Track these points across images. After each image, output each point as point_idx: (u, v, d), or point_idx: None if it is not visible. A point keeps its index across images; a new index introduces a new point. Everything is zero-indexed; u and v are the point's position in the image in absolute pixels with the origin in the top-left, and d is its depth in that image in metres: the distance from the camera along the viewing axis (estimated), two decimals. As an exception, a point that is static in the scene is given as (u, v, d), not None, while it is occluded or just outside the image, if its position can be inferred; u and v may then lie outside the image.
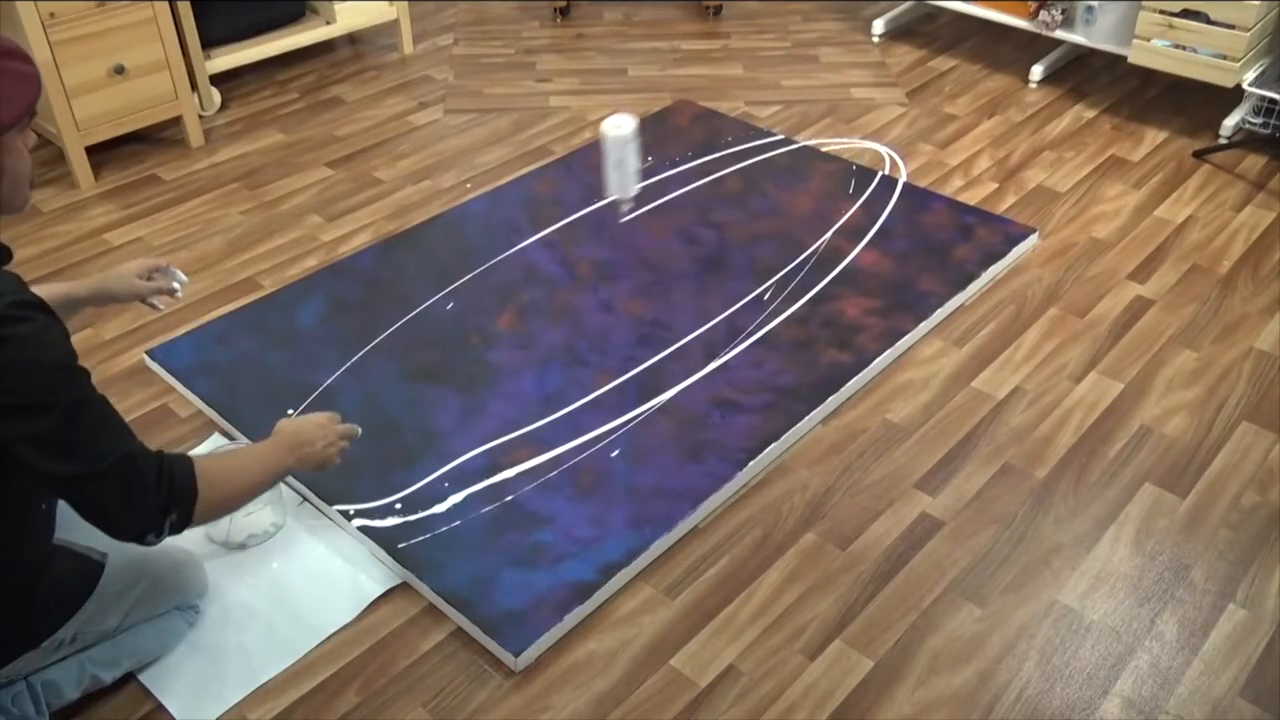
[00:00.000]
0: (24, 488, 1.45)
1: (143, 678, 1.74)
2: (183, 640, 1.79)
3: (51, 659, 1.60)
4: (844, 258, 2.68)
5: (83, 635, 1.61)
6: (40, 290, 1.72)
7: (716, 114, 3.35)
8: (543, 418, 2.22)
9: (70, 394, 1.33)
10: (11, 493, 1.43)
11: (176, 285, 1.91)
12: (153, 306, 1.93)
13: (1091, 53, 3.66)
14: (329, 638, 1.82)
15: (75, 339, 2.46)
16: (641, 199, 2.91)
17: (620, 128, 2.39)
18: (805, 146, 3.17)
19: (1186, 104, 3.41)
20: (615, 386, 2.30)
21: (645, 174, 3.01)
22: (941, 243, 2.73)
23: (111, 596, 1.63)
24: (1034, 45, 3.67)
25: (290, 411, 2.22)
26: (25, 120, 1.40)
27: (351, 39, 3.88)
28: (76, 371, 1.36)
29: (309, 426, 1.67)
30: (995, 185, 3.03)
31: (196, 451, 2.14)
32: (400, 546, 1.94)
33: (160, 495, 1.39)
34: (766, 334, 2.44)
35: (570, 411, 2.23)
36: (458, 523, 1.99)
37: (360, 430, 1.76)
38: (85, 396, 1.36)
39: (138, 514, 1.39)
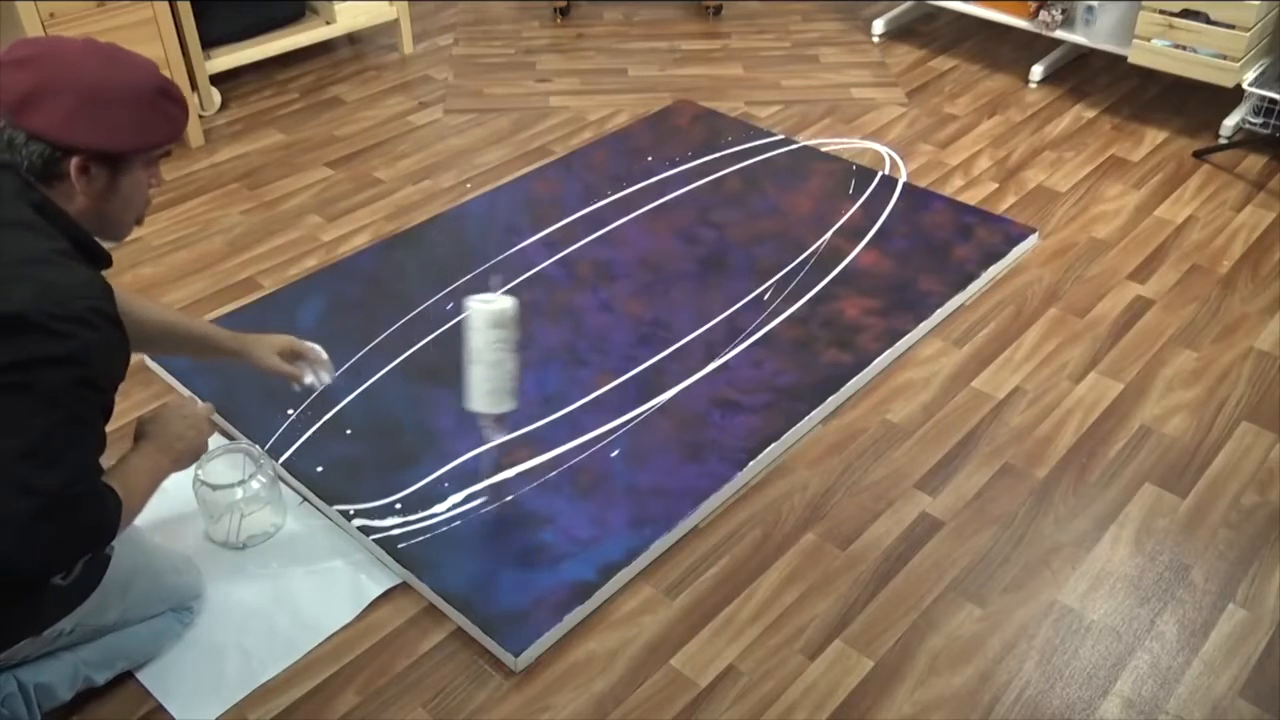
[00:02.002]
0: None
1: (142, 678, 1.74)
2: (177, 641, 1.79)
3: (46, 649, 1.60)
4: (844, 258, 2.68)
5: (81, 627, 1.61)
6: (192, 322, 1.85)
7: (716, 114, 3.35)
8: (543, 418, 2.22)
9: (82, 409, 1.35)
10: None
11: (312, 381, 1.95)
12: (285, 383, 1.97)
13: (1091, 53, 3.66)
14: (329, 638, 1.82)
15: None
16: (641, 199, 2.91)
17: (491, 302, 1.84)
18: (805, 146, 3.17)
19: (1186, 104, 3.41)
20: (615, 386, 2.30)
21: (645, 174, 3.02)
22: (941, 243, 2.73)
23: (114, 590, 1.63)
24: (1034, 45, 3.67)
25: (290, 412, 2.22)
26: (154, 153, 1.47)
27: (351, 39, 3.88)
28: (101, 392, 1.38)
29: (175, 420, 1.67)
30: (995, 185, 3.03)
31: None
32: (400, 546, 1.94)
33: (89, 541, 1.42)
34: (766, 334, 2.44)
35: (570, 411, 2.23)
36: (458, 523, 1.99)
37: (213, 407, 1.78)
38: (94, 422, 1.38)
39: (60, 561, 1.42)
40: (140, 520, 1.86)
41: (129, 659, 1.72)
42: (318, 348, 2.00)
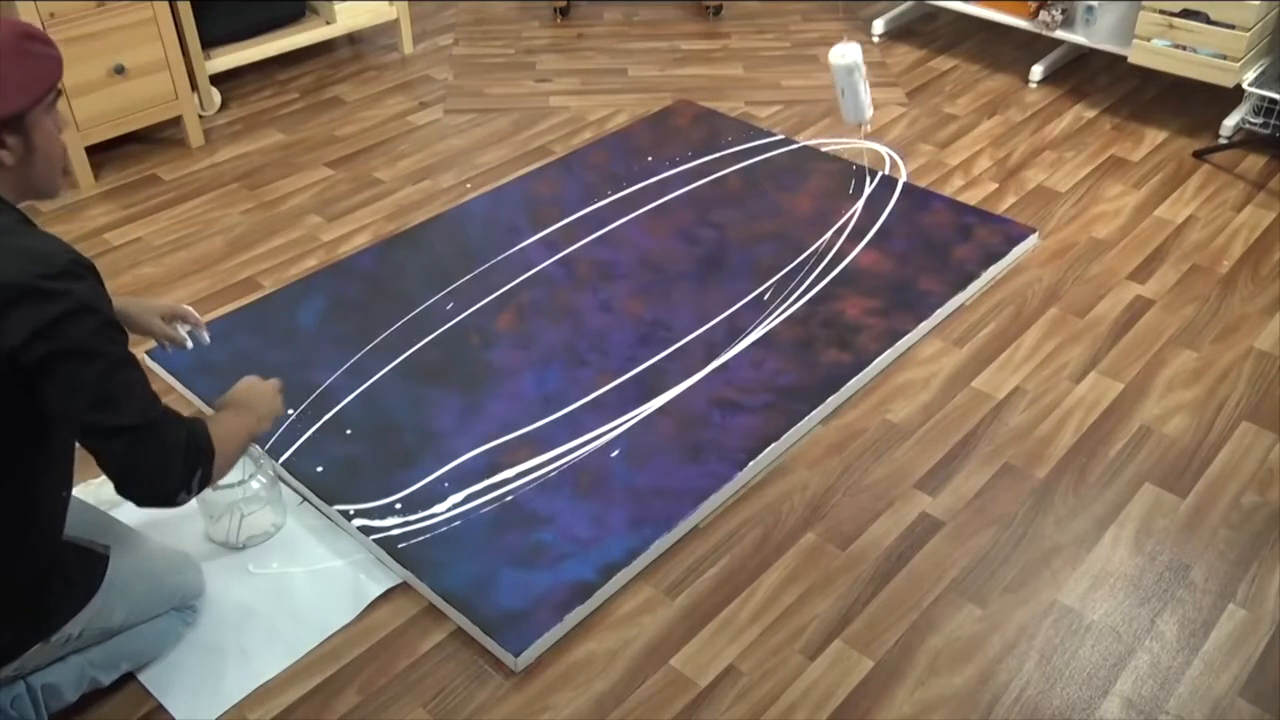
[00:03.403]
0: (53, 477, 1.51)
1: (143, 678, 1.74)
2: (181, 641, 1.79)
3: (57, 655, 1.61)
4: (844, 258, 2.68)
5: (88, 630, 1.62)
6: None
7: (716, 114, 3.35)
8: (543, 418, 2.22)
9: (116, 349, 1.40)
10: (45, 480, 1.48)
11: (189, 344, 1.93)
12: (160, 345, 1.94)
13: (1091, 53, 3.66)
14: (329, 638, 1.82)
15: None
16: (641, 199, 2.91)
17: (845, 56, 2.56)
18: (805, 146, 3.17)
19: (1186, 104, 3.41)
20: (615, 386, 2.30)
21: (645, 174, 3.02)
22: (941, 243, 2.73)
23: (117, 592, 1.64)
24: (1034, 45, 3.67)
25: (290, 412, 2.22)
26: (50, 99, 1.46)
27: (351, 39, 3.88)
28: (121, 332, 1.43)
29: (254, 387, 1.76)
30: (995, 185, 3.03)
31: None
32: (400, 546, 1.94)
33: (190, 454, 1.45)
34: (766, 334, 2.44)
35: (570, 411, 2.23)
36: (458, 523, 1.99)
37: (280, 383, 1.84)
38: (128, 356, 1.43)
39: (174, 470, 1.44)
40: (139, 520, 1.88)
41: (134, 659, 1.73)
42: (194, 311, 1.97)
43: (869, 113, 2.66)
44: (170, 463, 1.44)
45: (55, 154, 1.49)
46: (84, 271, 1.38)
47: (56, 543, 1.58)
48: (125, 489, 1.43)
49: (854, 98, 2.62)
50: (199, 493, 1.50)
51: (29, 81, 1.42)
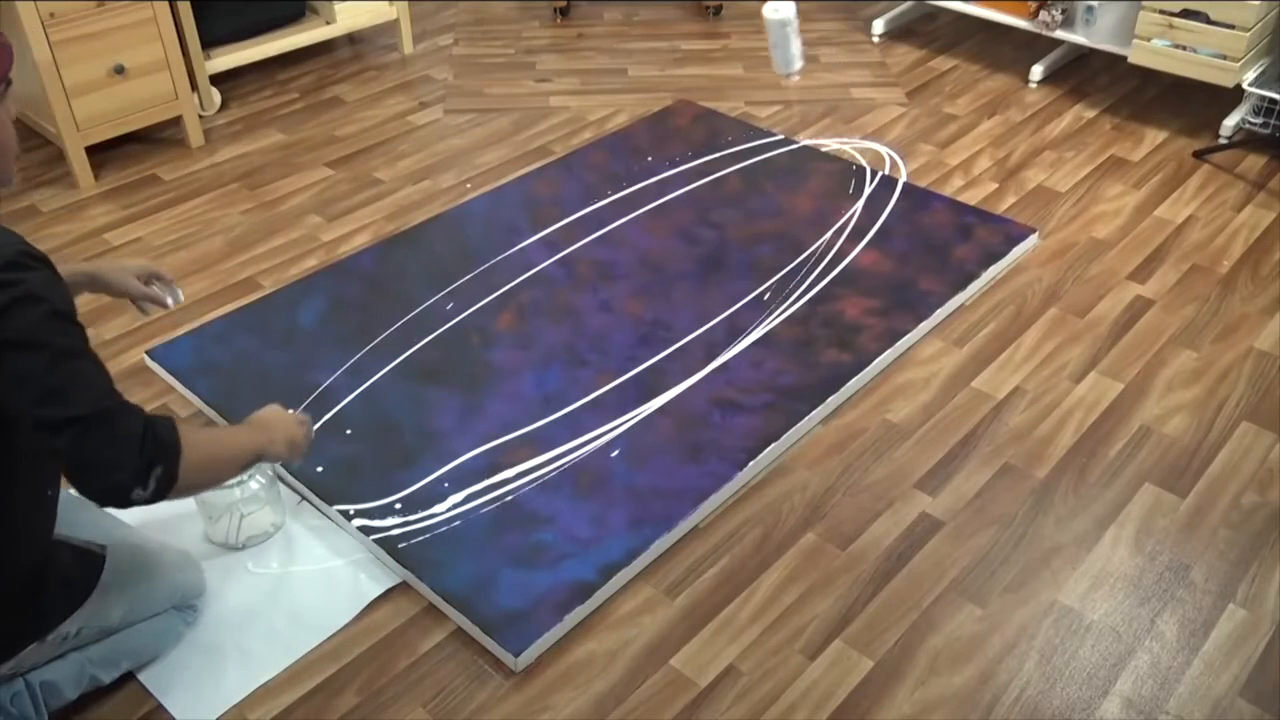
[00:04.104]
0: (32, 475, 1.47)
1: (143, 678, 1.74)
2: (181, 640, 1.79)
3: (55, 653, 1.61)
4: (844, 258, 2.68)
5: (86, 629, 1.62)
6: None
7: (716, 114, 3.35)
8: (543, 418, 2.22)
9: (64, 340, 1.35)
10: (19, 479, 1.45)
11: (170, 301, 1.91)
12: (140, 309, 1.91)
13: (1091, 53, 3.66)
14: (329, 638, 1.82)
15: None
16: (641, 199, 2.91)
17: (778, 11, 2.70)
18: (805, 146, 3.17)
19: (1186, 104, 3.41)
20: (615, 386, 2.30)
21: (645, 174, 3.02)
22: (941, 243, 2.73)
23: (114, 590, 1.63)
24: (1034, 45, 3.67)
25: (290, 412, 2.21)
26: (2, 90, 1.44)
27: (351, 39, 3.88)
28: (73, 323, 1.38)
29: (279, 414, 1.72)
30: (995, 185, 3.03)
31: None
32: (400, 546, 1.94)
33: (147, 446, 1.38)
34: (766, 334, 2.44)
35: (570, 411, 2.23)
36: (458, 523, 1.99)
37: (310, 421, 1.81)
38: (77, 346, 1.37)
39: (127, 463, 1.36)
40: (138, 520, 1.87)
41: (134, 658, 1.73)
42: (165, 270, 1.96)
43: (798, 64, 2.78)
44: (122, 454, 1.35)
45: (8, 143, 1.47)
46: (34, 263, 1.34)
47: (47, 543, 1.57)
48: (77, 482, 1.36)
49: (785, 50, 2.75)
50: (166, 493, 1.41)
51: None
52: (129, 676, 1.74)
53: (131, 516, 1.99)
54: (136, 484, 1.37)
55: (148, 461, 1.38)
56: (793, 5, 2.66)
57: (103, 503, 1.39)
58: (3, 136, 1.46)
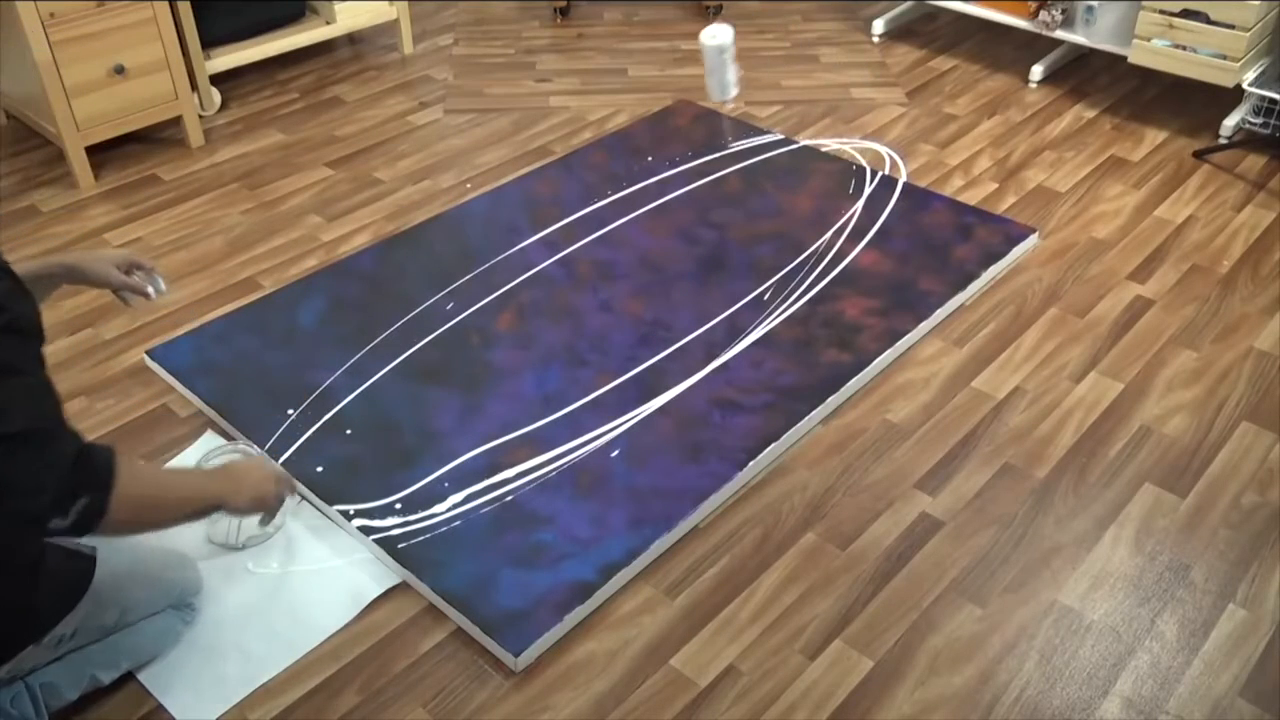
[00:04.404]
0: None
1: (143, 678, 1.74)
2: (180, 640, 1.79)
3: (52, 655, 1.60)
4: (844, 258, 2.68)
5: (83, 630, 1.61)
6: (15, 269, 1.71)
7: (716, 114, 3.35)
8: (543, 418, 2.22)
9: (10, 356, 1.29)
10: None
11: (152, 291, 1.87)
12: (122, 300, 1.88)
13: (1091, 53, 3.66)
14: (329, 637, 1.82)
15: (75, 339, 2.48)
16: (641, 199, 2.91)
17: (716, 37, 2.79)
18: (805, 146, 3.17)
19: (1186, 104, 3.41)
20: (615, 386, 2.30)
21: (645, 174, 3.02)
22: (941, 243, 2.73)
23: (108, 591, 1.63)
24: (1034, 45, 3.67)
25: (290, 412, 2.22)
26: None
27: (351, 39, 3.88)
28: (27, 339, 1.32)
29: (255, 467, 1.66)
30: (995, 185, 3.03)
31: (189, 450, 2.16)
32: (400, 546, 1.94)
33: (74, 474, 1.30)
34: (766, 334, 2.44)
35: (570, 411, 2.23)
36: (458, 523, 1.99)
37: (292, 480, 1.73)
38: (22, 364, 1.31)
39: (47, 488, 1.28)
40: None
41: (133, 658, 1.72)
42: (147, 260, 1.92)
43: (733, 92, 2.85)
44: (46, 479, 1.27)
45: None
46: None
47: (38, 546, 1.54)
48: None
49: (720, 77, 2.81)
50: (91, 527, 1.32)
51: None
52: (129, 676, 1.73)
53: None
54: (56, 513, 1.30)
55: (72, 490, 1.30)
56: (730, 31, 2.69)
57: (17, 527, 1.31)
58: None
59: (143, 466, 1.43)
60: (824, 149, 3.17)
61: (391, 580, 1.91)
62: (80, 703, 1.68)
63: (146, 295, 1.86)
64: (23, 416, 1.28)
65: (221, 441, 2.17)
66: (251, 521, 1.95)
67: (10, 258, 1.43)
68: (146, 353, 2.39)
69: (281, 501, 1.73)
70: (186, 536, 1.97)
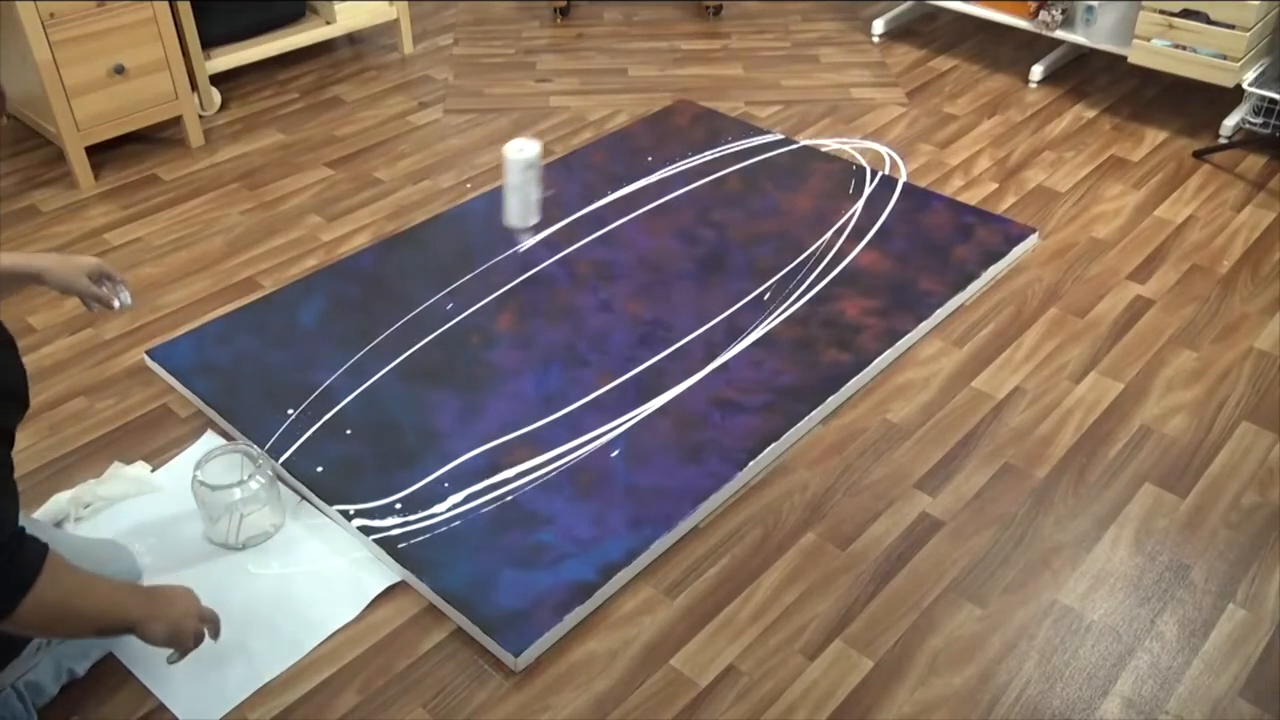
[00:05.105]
0: None
1: (144, 678, 1.74)
2: None
3: (34, 661, 1.61)
4: (844, 258, 2.68)
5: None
6: None
7: (716, 114, 3.35)
8: (543, 418, 2.22)
9: None
10: None
11: (117, 303, 1.88)
12: (87, 307, 1.90)
13: (1091, 53, 3.66)
14: (329, 637, 1.82)
15: (75, 339, 2.49)
16: (641, 199, 2.91)
17: (523, 151, 2.45)
18: (805, 146, 3.17)
19: (1186, 104, 3.41)
20: (615, 386, 2.30)
21: (645, 174, 3.02)
22: (941, 243, 2.73)
23: None
24: (1034, 45, 3.67)
25: (290, 412, 2.22)
26: None
27: (351, 39, 3.88)
28: (5, 408, 1.29)
29: (183, 604, 1.60)
30: (995, 185, 3.03)
31: (189, 450, 2.16)
32: (400, 546, 1.94)
33: None
34: (766, 334, 2.44)
35: (570, 411, 2.23)
36: (458, 523, 1.99)
37: (219, 622, 1.67)
38: None
39: None
40: (134, 524, 1.87)
41: (102, 646, 1.74)
42: (118, 273, 1.91)
43: (535, 218, 2.56)
44: None
45: None
46: None
47: None
48: None
49: (524, 196, 2.51)
50: None
51: None
52: (129, 676, 1.74)
53: (130, 521, 2.01)
54: None
55: None
56: (538, 145, 2.45)
57: None
58: None
59: (68, 573, 1.37)
60: (824, 149, 3.17)
61: (391, 580, 1.91)
62: (81, 702, 1.68)
63: (111, 307, 1.88)
64: None
65: (221, 441, 2.17)
66: (251, 522, 1.95)
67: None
68: (146, 353, 2.39)
69: (199, 643, 1.62)
70: (186, 538, 1.98)
